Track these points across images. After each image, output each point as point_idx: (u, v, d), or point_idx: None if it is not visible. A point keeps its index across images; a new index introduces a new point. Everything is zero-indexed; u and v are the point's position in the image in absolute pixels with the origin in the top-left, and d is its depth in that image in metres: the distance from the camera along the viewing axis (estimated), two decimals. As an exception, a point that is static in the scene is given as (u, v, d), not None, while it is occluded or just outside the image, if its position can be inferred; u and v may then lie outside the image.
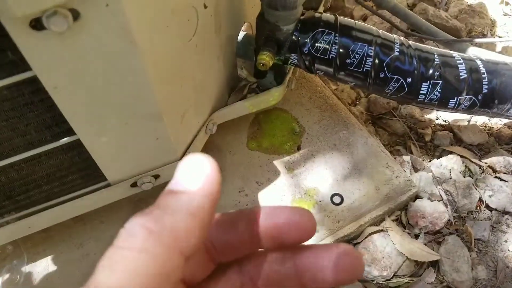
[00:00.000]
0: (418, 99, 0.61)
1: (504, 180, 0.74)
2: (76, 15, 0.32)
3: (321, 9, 0.78)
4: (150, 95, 0.44)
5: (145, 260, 0.16)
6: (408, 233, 0.68)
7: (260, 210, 0.22)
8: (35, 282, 0.60)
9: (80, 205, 0.54)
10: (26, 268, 0.61)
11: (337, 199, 0.68)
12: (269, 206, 0.22)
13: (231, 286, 0.23)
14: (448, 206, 0.71)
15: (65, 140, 0.45)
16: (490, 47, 0.96)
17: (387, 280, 0.64)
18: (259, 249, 0.23)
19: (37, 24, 0.32)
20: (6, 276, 0.60)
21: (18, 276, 0.60)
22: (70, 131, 0.44)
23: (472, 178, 0.76)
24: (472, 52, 0.79)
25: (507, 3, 1.12)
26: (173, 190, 0.19)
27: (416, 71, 0.58)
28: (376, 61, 0.57)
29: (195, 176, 0.19)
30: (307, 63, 0.59)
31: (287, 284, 0.22)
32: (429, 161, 0.79)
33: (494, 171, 0.77)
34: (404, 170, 0.74)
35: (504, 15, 1.10)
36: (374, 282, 0.64)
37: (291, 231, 0.21)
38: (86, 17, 0.33)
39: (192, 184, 0.19)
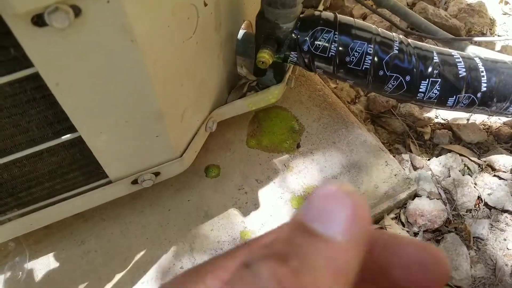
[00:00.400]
0: (417, 97, 0.61)
1: (502, 179, 0.74)
2: (77, 11, 0.33)
3: (320, 7, 0.78)
4: (150, 93, 0.44)
5: None
6: (407, 231, 0.68)
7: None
8: (37, 279, 0.61)
9: (81, 202, 0.55)
10: (28, 265, 0.62)
11: (336, 197, 0.68)
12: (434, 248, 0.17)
13: None
14: (447, 204, 0.71)
15: (66, 137, 0.45)
16: (490, 46, 0.96)
17: (386, 277, 0.64)
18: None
19: (39, 21, 0.32)
20: (8, 273, 0.61)
21: (20, 273, 0.61)
22: (71, 128, 0.44)
23: (471, 177, 0.76)
24: (472, 50, 0.79)
25: (506, 2, 1.12)
26: (311, 229, 0.15)
27: (415, 69, 0.58)
28: (375, 59, 0.57)
29: (344, 219, 0.14)
30: (306, 61, 0.60)
31: None
32: (428, 160, 0.79)
33: (493, 169, 0.77)
34: (403, 169, 0.74)
35: (504, 14, 1.10)
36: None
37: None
38: (87, 13, 0.33)
39: (338, 230, 0.14)
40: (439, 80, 0.59)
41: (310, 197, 0.15)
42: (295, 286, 0.13)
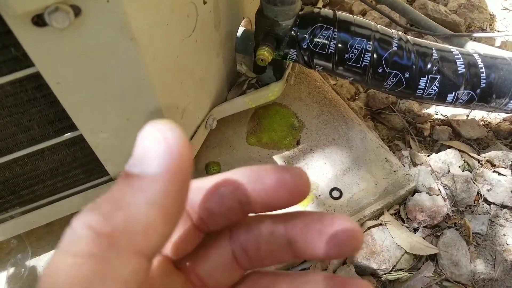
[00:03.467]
0: (417, 94, 0.61)
1: (502, 174, 0.75)
2: (77, 11, 0.33)
3: (320, 4, 0.78)
4: (150, 91, 0.44)
5: (93, 267, 0.14)
6: (407, 227, 0.69)
7: (246, 172, 0.20)
8: (39, 276, 0.61)
9: (82, 199, 0.55)
10: (30, 262, 0.62)
11: (336, 194, 0.68)
12: (256, 166, 0.20)
13: (222, 255, 0.21)
14: (447, 200, 0.72)
15: (67, 135, 0.46)
16: (489, 41, 0.96)
17: (385, 273, 0.65)
18: (250, 214, 0.21)
19: (39, 21, 0.32)
20: (11, 270, 0.61)
21: (23, 270, 0.61)
22: (72, 127, 0.44)
23: (471, 172, 0.76)
24: (471, 46, 0.79)
25: (506, -2, 1.12)
26: (129, 173, 0.15)
27: (414, 66, 0.58)
28: (375, 56, 0.57)
29: (155, 154, 0.15)
30: (306, 58, 0.60)
31: (278, 253, 0.20)
32: (428, 156, 0.79)
33: (493, 165, 0.77)
34: (403, 165, 0.74)
35: (504, 9, 1.10)
36: (372, 275, 0.65)
37: (281, 193, 0.19)
38: (87, 13, 0.33)
39: (151, 165, 0.15)
40: (438, 76, 0.59)
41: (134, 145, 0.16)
42: (107, 226, 0.14)
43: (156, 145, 0.15)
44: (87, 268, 0.14)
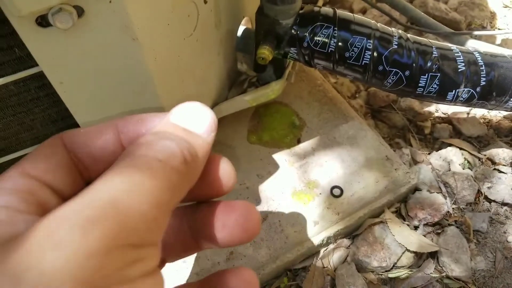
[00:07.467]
0: (417, 92, 0.61)
1: (503, 172, 0.75)
2: (80, 11, 0.33)
3: (320, 2, 0.78)
4: (152, 90, 0.45)
5: (183, 177, 0.20)
6: (408, 225, 0.69)
7: (130, 119, 0.24)
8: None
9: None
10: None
11: (337, 192, 0.69)
12: (139, 115, 0.25)
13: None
14: (447, 198, 0.72)
15: (70, 134, 0.46)
16: (490, 39, 0.97)
17: (386, 271, 0.65)
18: None
19: (43, 21, 0.33)
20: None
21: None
22: (75, 126, 0.45)
23: (471, 170, 0.76)
24: (471, 44, 0.79)
25: (507, -4, 1.12)
26: (186, 129, 0.22)
27: (414, 64, 0.59)
28: (375, 54, 0.57)
29: (207, 125, 0.23)
30: (306, 57, 0.60)
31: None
32: (429, 154, 0.80)
33: (493, 163, 0.77)
34: (404, 163, 0.75)
35: (504, 7, 1.10)
36: (373, 273, 0.65)
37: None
38: (90, 13, 0.34)
39: (204, 132, 0.23)
40: (439, 74, 0.60)
41: (181, 107, 0.23)
42: (188, 156, 0.21)
43: (208, 118, 0.24)
44: (179, 177, 0.20)
